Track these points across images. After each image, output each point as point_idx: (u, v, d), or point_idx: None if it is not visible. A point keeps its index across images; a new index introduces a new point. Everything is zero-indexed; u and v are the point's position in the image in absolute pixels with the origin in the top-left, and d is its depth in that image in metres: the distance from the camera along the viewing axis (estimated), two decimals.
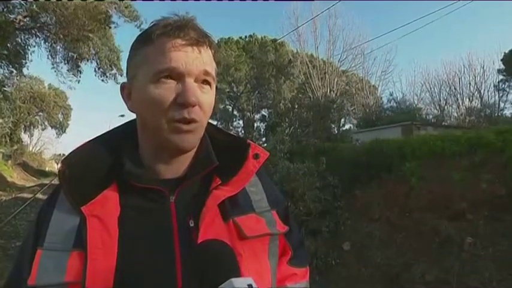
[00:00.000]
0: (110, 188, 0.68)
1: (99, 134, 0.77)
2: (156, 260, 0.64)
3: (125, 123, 0.79)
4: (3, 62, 14.04)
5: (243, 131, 14.66)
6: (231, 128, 14.29)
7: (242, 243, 0.68)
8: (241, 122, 16.66)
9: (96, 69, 15.32)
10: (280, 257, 0.82)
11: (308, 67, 16.43)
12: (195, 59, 0.66)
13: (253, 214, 0.74)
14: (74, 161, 0.70)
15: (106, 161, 0.70)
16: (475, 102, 16.47)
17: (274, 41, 17.55)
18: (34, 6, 11.52)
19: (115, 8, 12.85)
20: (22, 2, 11.88)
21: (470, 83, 16.74)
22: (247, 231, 0.70)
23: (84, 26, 12.20)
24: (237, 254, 0.64)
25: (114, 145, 0.73)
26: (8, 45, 13.11)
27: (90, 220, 0.64)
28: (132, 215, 0.66)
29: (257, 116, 16.77)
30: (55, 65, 14.64)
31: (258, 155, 0.77)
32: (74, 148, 0.73)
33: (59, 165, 0.72)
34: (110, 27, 13.46)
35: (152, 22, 0.69)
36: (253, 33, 18.90)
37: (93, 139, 0.75)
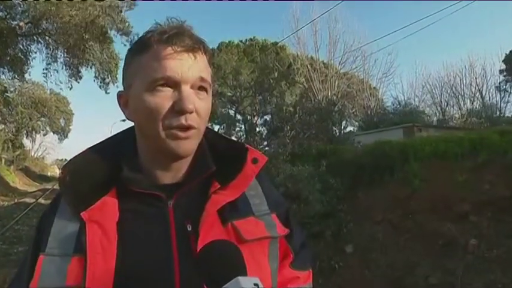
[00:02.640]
0: (109, 193, 0.69)
1: (99, 141, 0.79)
2: (154, 264, 0.65)
3: (124, 130, 0.81)
4: (5, 68, 14.16)
5: (244, 135, 14.64)
6: (233, 132, 14.28)
7: (241, 247, 0.68)
8: (243, 126, 16.66)
9: (97, 75, 15.40)
10: (282, 260, 0.82)
11: (309, 70, 16.44)
12: (191, 67, 0.67)
13: (252, 218, 0.75)
14: (74, 168, 0.72)
15: (105, 167, 0.71)
16: (477, 103, 16.44)
17: (274, 44, 17.58)
18: (35, 12, 11.60)
19: (110, 22, 13.16)
20: (23, 8, 11.97)
21: (471, 84, 16.72)
22: (245, 235, 0.70)
23: (82, 36, 12.48)
24: None
25: (113, 152, 0.74)
26: (10, 51, 13.21)
27: (89, 225, 0.65)
28: (131, 219, 0.68)
29: (259, 120, 16.77)
30: (47, 71, 14.75)
31: (256, 160, 0.78)
32: (74, 155, 0.74)
33: (60, 172, 0.73)
34: (108, 41, 13.76)
35: (147, 30, 0.70)
36: (254, 37, 18.96)
37: (92, 146, 0.77)
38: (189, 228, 0.68)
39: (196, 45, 0.68)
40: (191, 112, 0.66)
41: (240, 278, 0.52)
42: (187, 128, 0.67)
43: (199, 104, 0.68)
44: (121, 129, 0.83)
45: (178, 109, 0.65)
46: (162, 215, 0.69)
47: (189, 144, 0.69)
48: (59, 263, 0.63)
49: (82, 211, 0.66)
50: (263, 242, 0.74)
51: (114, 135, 0.81)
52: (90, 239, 0.63)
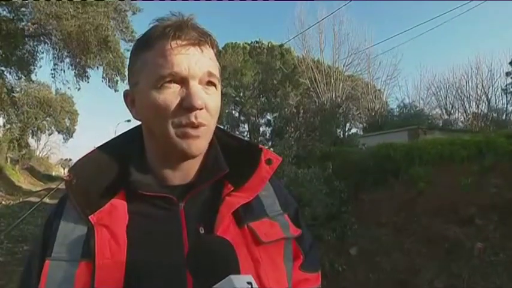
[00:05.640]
0: (117, 196, 0.67)
1: (105, 141, 0.76)
2: (166, 268, 0.62)
3: (131, 129, 0.79)
4: (13, 68, 14.29)
5: (248, 136, 14.66)
6: (237, 132, 14.32)
7: (258, 248, 0.67)
8: (246, 126, 16.70)
9: (104, 75, 15.45)
10: (293, 261, 0.80)
11: (313, 72, 16.42)
12: (198, 61, 0.64)
13: (266, 219, 0.73)
14: (81, 170, 0.69)
15: (113, 169, 0.69)
16: (482, 106, 16.28)
17: (281, 46, 17.62)
18: (41, 14, 11.70)
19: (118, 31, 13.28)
20: (30, 9, 12.08)
21: (477, 87, 16.55)
22: (262, 237, 0.68)
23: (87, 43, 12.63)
24: (254, 259, 0.64)
25: (120, 152, 0.72)
26: (18, 52, 13.35)
27: (98, 229, 0.63)
28: (141, 223, 0.65)
29: (262, 121, 16.80)
30: (54, 71, 14.86)
31: (270, 161, 0.75)
32: (81, 156, 0.72)
33: (66, 174, 0.71)
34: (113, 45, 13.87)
35: (150, 24, 0.67)
36: (260, 39, 19.06)
37: (99, 147, 0.74)
38: (202, 231, 0.66)
39: (202, 37, 0.65)
40: (200, 109, 0.63)
41: (232, 276, 0.49)
42: (197, 125, 0.64)
43: (209, 100, 0.65)
44: (126, 129, 0.81)
45: (186, 106, 0.62)
46: (174, 217, 0.66)
47: (200, 143, 0.66)
48: (66, 268, 0.61)
49: (90, 214, 0.64)
50: (279, 243, 0.72)
51: (121, 134, 0.79)
52: (99, 244, 0.61)
